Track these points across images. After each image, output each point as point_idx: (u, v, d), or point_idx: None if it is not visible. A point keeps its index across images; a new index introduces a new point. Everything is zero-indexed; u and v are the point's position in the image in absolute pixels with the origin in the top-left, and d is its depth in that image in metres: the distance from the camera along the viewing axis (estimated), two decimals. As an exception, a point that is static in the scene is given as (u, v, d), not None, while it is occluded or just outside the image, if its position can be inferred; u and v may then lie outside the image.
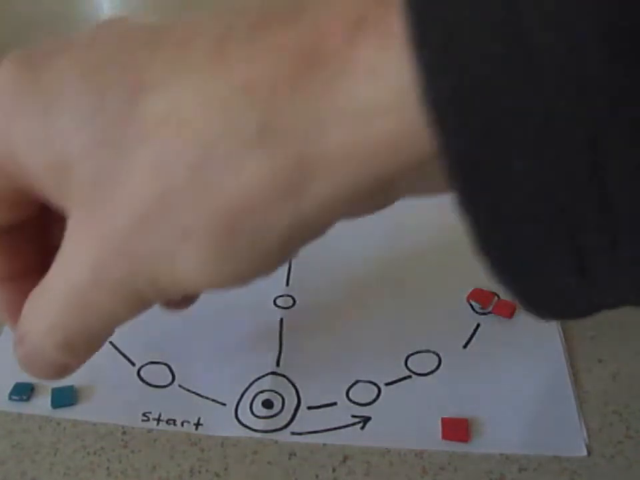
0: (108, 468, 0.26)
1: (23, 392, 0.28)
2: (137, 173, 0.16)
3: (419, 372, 0.29)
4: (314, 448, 0.27)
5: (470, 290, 0.32)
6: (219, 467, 0.26)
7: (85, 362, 0.21)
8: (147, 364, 0.30)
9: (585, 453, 0.26)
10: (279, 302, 0.32)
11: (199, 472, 0.26)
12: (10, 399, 0.28)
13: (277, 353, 0.30)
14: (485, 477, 0.26)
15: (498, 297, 0.31)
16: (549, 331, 0.30)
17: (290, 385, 0.29)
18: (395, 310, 0.32)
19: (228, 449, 0.27)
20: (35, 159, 0.18)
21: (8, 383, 0.29)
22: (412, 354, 0.30)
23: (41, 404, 0.28)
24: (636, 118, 0.13)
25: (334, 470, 0.26)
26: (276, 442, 0.27)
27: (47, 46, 0.19)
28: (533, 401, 0.28)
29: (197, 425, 0.27)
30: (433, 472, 0.26)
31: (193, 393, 0.28)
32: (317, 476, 0.26)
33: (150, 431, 0.27)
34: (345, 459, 0.26)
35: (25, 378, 0.28)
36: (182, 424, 0.27)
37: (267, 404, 0.28)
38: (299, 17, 0.15)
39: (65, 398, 0.28)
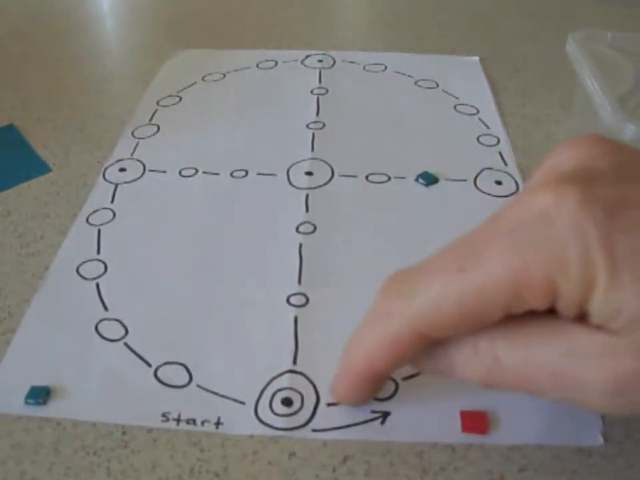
0: (108, 468, 0.26)
1: (39, 395, 0.28)
2: None
3: None
4: (314, 448, 0.27)
5: None
6: (219, 466, 0.26)
7: None
8: (163, 364, 0.30)
9: (601, 441, 0.26)
10: (292, 300, 0.32)
11: (199, 472, 0.26)
12: (26, 402, 0.28)
13: (293, 351, 0.30)
14: (485, 476, 0.26)
15: None
16: None
17: (308, 383, 0.29)
18: None
19: (228, 449, 0.27)
20: None
21: (24, 387, 0.28)
22: None
23: (58, 407, 0.28)
24: None
25: (334, 470, 0.26)
26: (276, 442, 0.27)
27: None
28: None
29: (218, 424, 0.27)
30: (432, 472, 0.26)
31: (212, 392, 0.29)
32: (317, 476, 0.26)
33: (150, 430, 0.27)
34: (345, 459, 0.26)
35: (41, 381, 0.29)
36: (202, 423, 0.27)
37: (287, 402, 0.28)
38: None
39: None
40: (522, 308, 0.21)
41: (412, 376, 0.29)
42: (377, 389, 0.27)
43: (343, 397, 0.28)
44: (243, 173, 0.41)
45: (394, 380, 0.29)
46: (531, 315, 0.22)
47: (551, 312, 0.22)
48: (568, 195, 0.21)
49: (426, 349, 0.24)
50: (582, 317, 0.21)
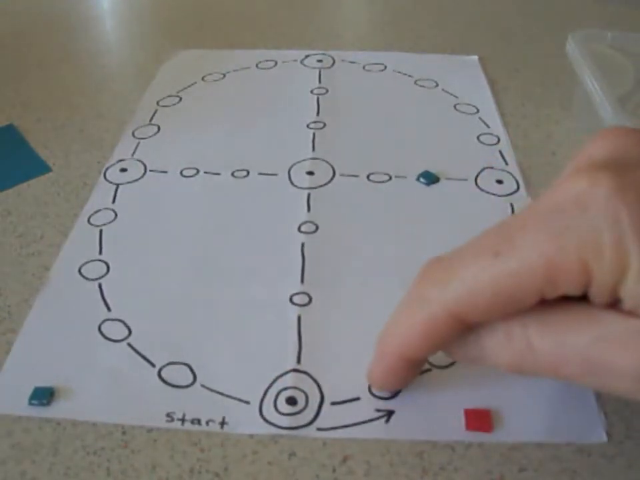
0: (108, 468, 0.26)
1: (43, 396, 0.28)
2: None
3: (439, 364, 0.29)
4: (314, 448, 0.27)
5: None
6: (219, 466, 0.26)
7: None
8: (167, 364, 0.30)
9: (604, 439, 0.26)
10: (295, 299, 0.33)
11: (199, 472, 0.26)
12: (30, 403, 0.28)
13: (296, 350, 0.30)
14: (485, 476, 0.26)
15: None
16: None
17: (312, 382, 0.29)
18: None
19: (228, 449, 0.27)
20: None
21: (27, 388, 0.28)
22: None
23: (62, 408, 0.28)
24: None
25: (334, 470, 0.26)
26: (276, 442, 0.27)
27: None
28: (552, 390, 0.28)
29: (222, 423, 0.27)
30: (432, 472, 0.26)
31: (216, 392, 0.29)
32: (317, 476, 0.26)
33: (150, 430, 0.27)
34: (345, 459, 0.26)
35: (45, 382, 0.29)
36: (207, 423, 0.27)
37: (291, 401, 0.28)
38: None
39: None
40: (555, 293, 0.22)
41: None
42: (413, 375, 0.27)
43: (379, 383, 0.28)
44: (244, 173, 0.41)
45: None
46: (564, 301, 0.22)
47: (583, 299, 0.22)
48: (602, 181, 0.21)
49: (458, 336, 0.24)
50: (614, 304, 0.21)
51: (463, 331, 0.24)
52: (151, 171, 0.42)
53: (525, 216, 0.23)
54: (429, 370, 0.29)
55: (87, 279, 0.34)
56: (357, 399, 0.28)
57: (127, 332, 0.31)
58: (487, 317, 0.23)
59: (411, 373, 0.27)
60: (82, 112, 0.48)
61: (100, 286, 0.34)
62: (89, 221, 0.38)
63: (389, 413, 0.28)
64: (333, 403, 0.28)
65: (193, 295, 0.33)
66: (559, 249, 0.21)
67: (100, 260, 0.35)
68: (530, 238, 0.22)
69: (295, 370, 0.29)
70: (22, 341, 0.31)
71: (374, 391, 0.28)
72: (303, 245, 0.36)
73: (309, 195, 0.39)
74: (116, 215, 0.38)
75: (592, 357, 0.21)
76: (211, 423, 0.27)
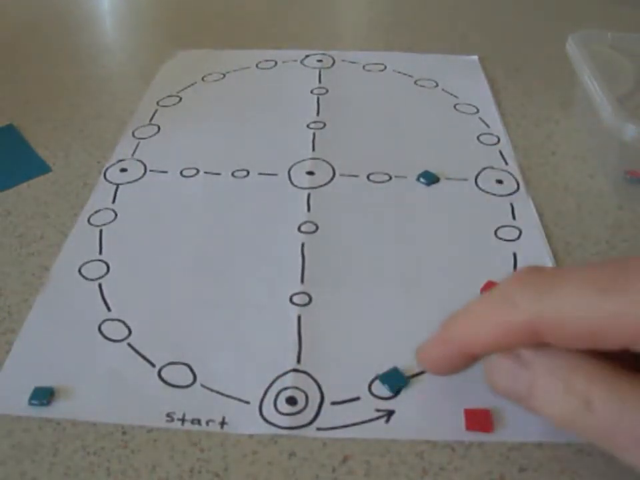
0: (108, 468, 0.26)
1: (43, 396, 0.28)
2: None
3: None
4: (314, 448, 0.27)
5: (484, 282, 0.33)
6: (219, 466, 0.26)
7: None
8: (167, 365, 0.30)
9: None
10: (295, 299, 0.33)
11: (199, 472, 0.26)
12: (30, 403, 0.28)
13: (296, 350, 0.30)
14: (485, 476, 0.26)
15: None
16: None
17: (312, 382, 0.29)
18: (411, 303, 0.32)
19: (228, 449, 0.27)
20: None
21: (27, 388, 0.28)
22: None
23: (62, 408, 0.28)
24: None
25: (334, 470, 0.26)
26: (276, 442, 0.27)
27: None
28: None
29: (222, 423, 0.27)
30: (433, 472, 0.26)
31: (216, 392, 0.29)
32: (317, 476, 0.26)
33: (150, 430, 0.27)
34: (345, 459, 0.26)
35: (45, 382, 0.29)
36: (207, 423, 0.27)
37: (291, 401, 0.28)
38: None
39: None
40: None
41: (416, 375, 0.29)
42: (465, 367, 0.26)
43: (430, 365, 0.27)
44: (245, 173, 0.41)
45: None
46: (635, 365, 0.22)
47: None
48: None
49: (507, 367, 0.24)
50: None
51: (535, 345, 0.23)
52: (150, 171, 0.42)
53: None
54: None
55: (86, 279, 0.34)
56: (357, 398, 0.28)
57: (127, 332, 0.31)
58: (566, 344, 0.22)
59: (465, 365, 0.26)
60: (82, 112, 0.48)
61: (100, 286, 0.34)
62: (88, 221, 0.38)
63: (389, 413, 0.28)
64: (333, 403, 0.28)
65: (193, 295, 0.33)
66: None
67: (100, 260, 0.35)
68: None
69: (294, 370, 0.29)
70: (22, 341, 0.31)
71: (421, 368, 0.28)
72: (303, 245, 0.36)
73: (308, 195, 0.39)
74: (116, 215, 0.38)
75: None
76: (210, 423, 0.27)
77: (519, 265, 0.34)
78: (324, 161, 0.42)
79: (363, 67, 0.53)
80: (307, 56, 0.55)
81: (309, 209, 0.38)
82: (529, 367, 0.23)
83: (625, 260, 0.22)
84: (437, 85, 0.51)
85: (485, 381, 0.25)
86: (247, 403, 0.28)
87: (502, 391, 0.25)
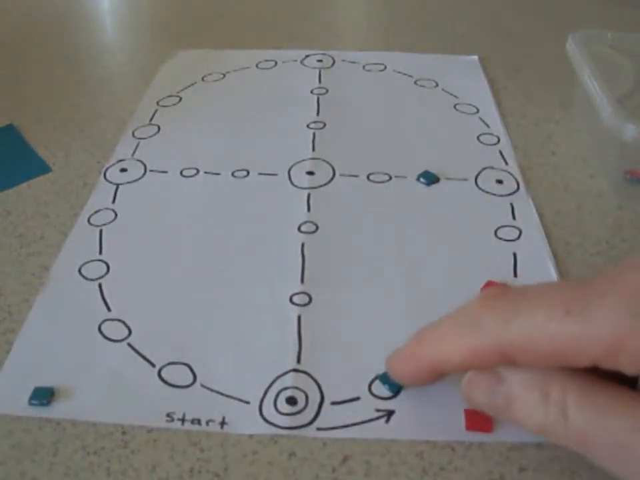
0: (108, 468, 0.26)
1: (43, 396, 0.28)
2: None
3: None
4: (314, 448, 0.27)
5: (483, 282, 0.33)
6: (219, 466, 0.26)
7: None
8: (167, 364, 0.30)
9: None
10: (295, 299, 0.33)
11: (199, 472, 0.26)
12: (30, 403, 0.28)
13: (296, 350, 0.30)
14: (485, 476, 0.26)
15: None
16: None
17: (312, 382, 0.29)
18: (411, 303, 0.32)
19: (228, 449, 0.27)
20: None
21: (27, 388, 0.28)
22: None
23: (62, 408, 0.28)
24: None
25: (334, 470, 0.26)
26: (276, 442, 0.27)
27: None
28: None
29: (222, 423, 0.27)
30: (432, 472, 0.26)
31: (216, 392, 0.29)
32: (317, 476, 0.26)
33: (150, 430, 0.27)
34: (345, 458, 0.26)
35: (45, 382, 0.29)
36: (207, 423, 0.27)
37: (291, 401, 0.28)
38: None
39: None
40: (611, 367, 0.21)
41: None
42: (434, 381, 0.27)
43: (399, 376, 0.28)
44: (244, 173, 0.41)
45: None
46: (610, 378, 0.22)
47: (631, 381, 0.22)
48: None
49: (485, 382, 0.24)
50: None
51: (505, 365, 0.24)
52: (150, 171, 0.42)
53: (607, 284, 0.22)
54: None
55: (86, 279, 0.34)
56: (357, 398, 0.28)
57: (127, 332, 0.31)
58: (534, 364, 0.23)
59: (435, 379, 0.27)
60: (82, 112, 0.48)
61: (100, 286, 0.34)
62: (89, 221, 0.38)
63: (389, 413, 0.28)
64: (333, 403, 0.28)
65: (193, 295, 0.33)
66: (633, 329, 0.20)
67: (100, 260, 0.35)
68: (607, 309, 0.21)
69: (294, 370, 0.29)
70: (22, 341, 0.31)
71: (394, 379, 0.28)
72: (303, 245, 0.36)
73: (308, 195, 0.39)
74: (116, 215, 0.38)
75: (627, 445, 0.21)
76: (210, 423, 0.27)
77: (519, 265, 0.34)
78: (324, 160, 0.42)
79: (363, 66, 0.53)
80: (307, 56, 0.55)
81: (308, 209, 0.38)
82: (505, 381, 0.24)
83: (586, 281, 0.23)
84: (437, 85, 0.51)
85: (463, 396, 0.26)
86: (247, 402, 0.28)
87: (480, 405, 0.25)
